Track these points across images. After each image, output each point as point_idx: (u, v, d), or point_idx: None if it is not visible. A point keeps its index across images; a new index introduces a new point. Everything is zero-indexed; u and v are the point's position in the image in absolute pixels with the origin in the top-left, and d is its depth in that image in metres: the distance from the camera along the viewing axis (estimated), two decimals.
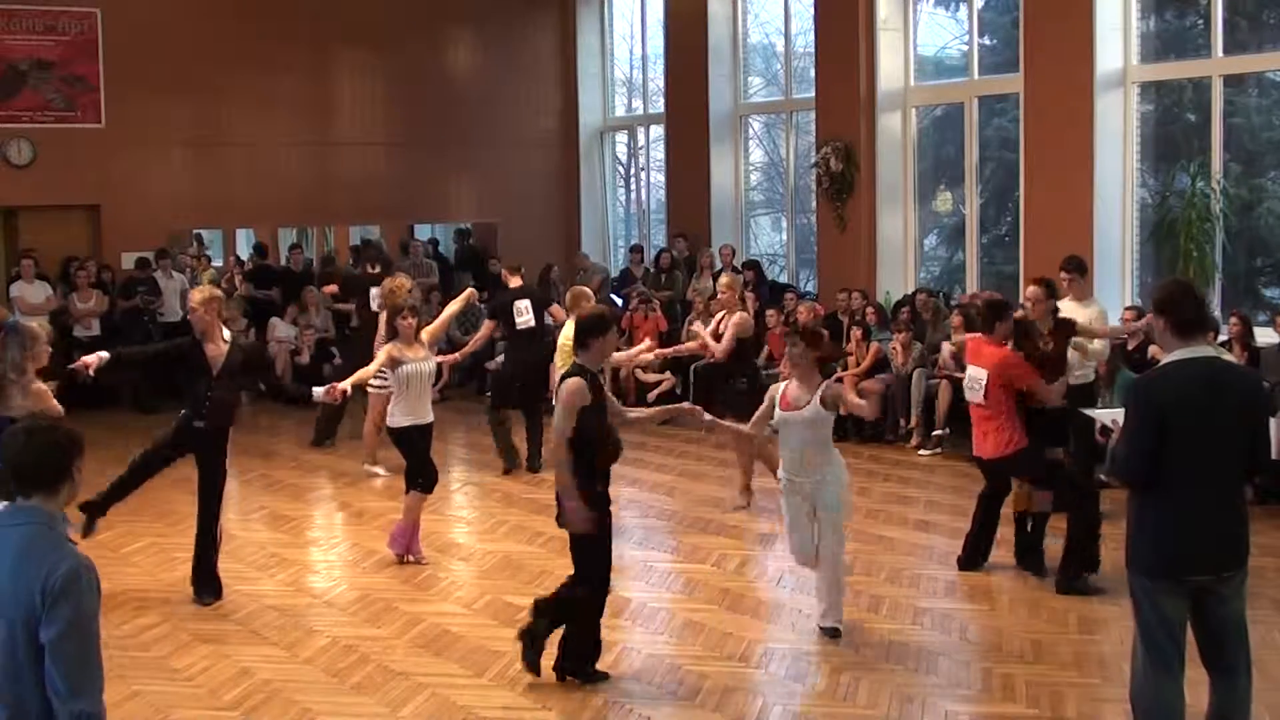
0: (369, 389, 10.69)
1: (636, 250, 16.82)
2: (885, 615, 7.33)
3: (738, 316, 9.71)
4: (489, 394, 12.06)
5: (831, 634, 6.86)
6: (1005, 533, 8.56)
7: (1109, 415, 6.83)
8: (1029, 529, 8.11)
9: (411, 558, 8.43)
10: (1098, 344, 9.20)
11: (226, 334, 7.85)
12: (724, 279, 10.25)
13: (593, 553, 6.16)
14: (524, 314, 11.31)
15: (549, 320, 11.59)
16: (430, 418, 8.40)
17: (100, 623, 3.39)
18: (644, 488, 10.46)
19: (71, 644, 3.25)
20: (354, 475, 11.33)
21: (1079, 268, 9.46)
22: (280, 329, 15.16)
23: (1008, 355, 7.72)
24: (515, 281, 11.55)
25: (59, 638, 3.24)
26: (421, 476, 8.34)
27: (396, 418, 8.34)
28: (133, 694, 6.34)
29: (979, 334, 7.93)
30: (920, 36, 14.36)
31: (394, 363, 8.21)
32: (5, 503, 3.56)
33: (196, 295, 7.83)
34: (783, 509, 7.09)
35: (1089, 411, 7.78)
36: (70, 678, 3.23)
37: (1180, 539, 4.64)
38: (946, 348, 10.21)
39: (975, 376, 7.70)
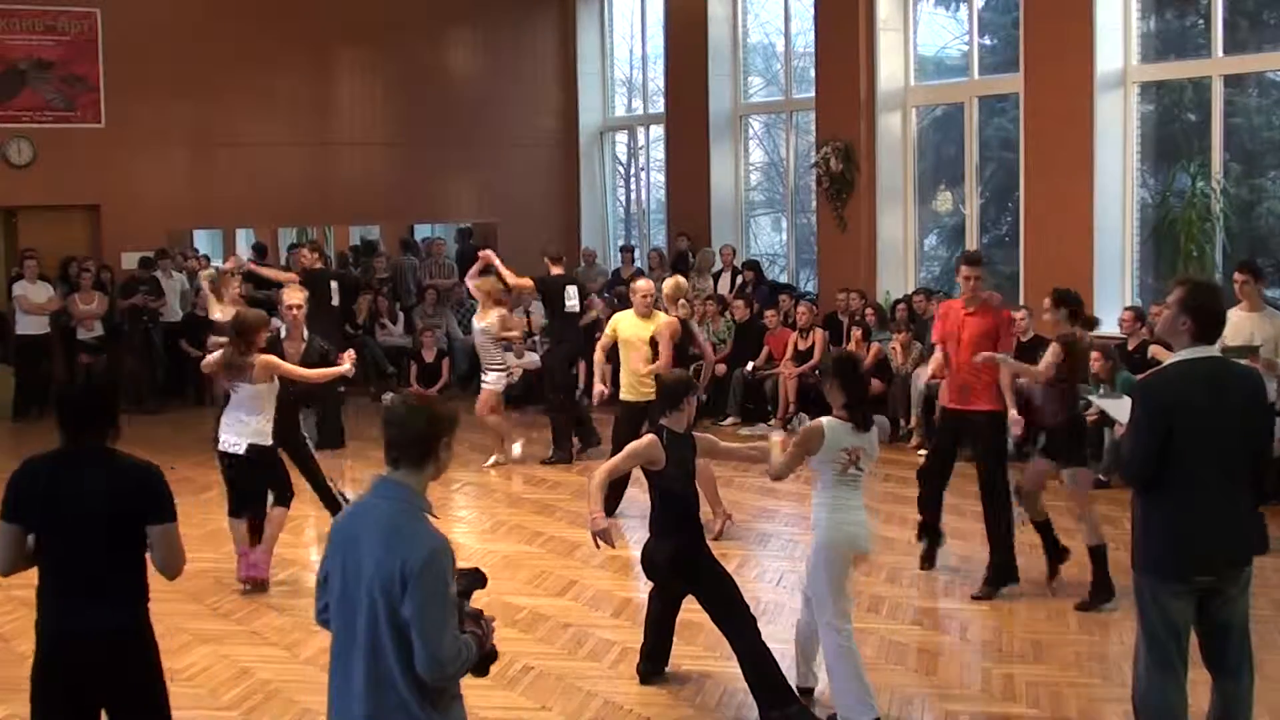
0: (484, 385, 11.48)
1: (627, 250, 16.85)
2: (885, 615, 7.33)
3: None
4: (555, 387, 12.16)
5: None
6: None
7: (1113, 405, 6.82)
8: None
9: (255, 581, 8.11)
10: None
11: (305, 333, 8.40)
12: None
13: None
14: (572, 298, 11.82)
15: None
16: None
17: (449, 596, 3.60)
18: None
19: (428, 620, 3.49)
20: (353, 476, 11.32)
21: (1255, 271, 8.85)
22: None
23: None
24: (558, 270, 11.96)
25: (416, 614, 3.49)
26: (289, 491, 8.14)
27: (271, 436, 7.89)
28: None
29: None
30: (920, 36, 14.36)
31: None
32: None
33: (297, 296, 8.45)
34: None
35: (1096, 400, 7.75)
36: (429, 648, 3.50)
37: (1186, 539, 4.64)
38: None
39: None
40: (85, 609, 4.15)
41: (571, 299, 11.81)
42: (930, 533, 8.21)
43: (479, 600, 3.82)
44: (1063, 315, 7.56)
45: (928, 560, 8.19)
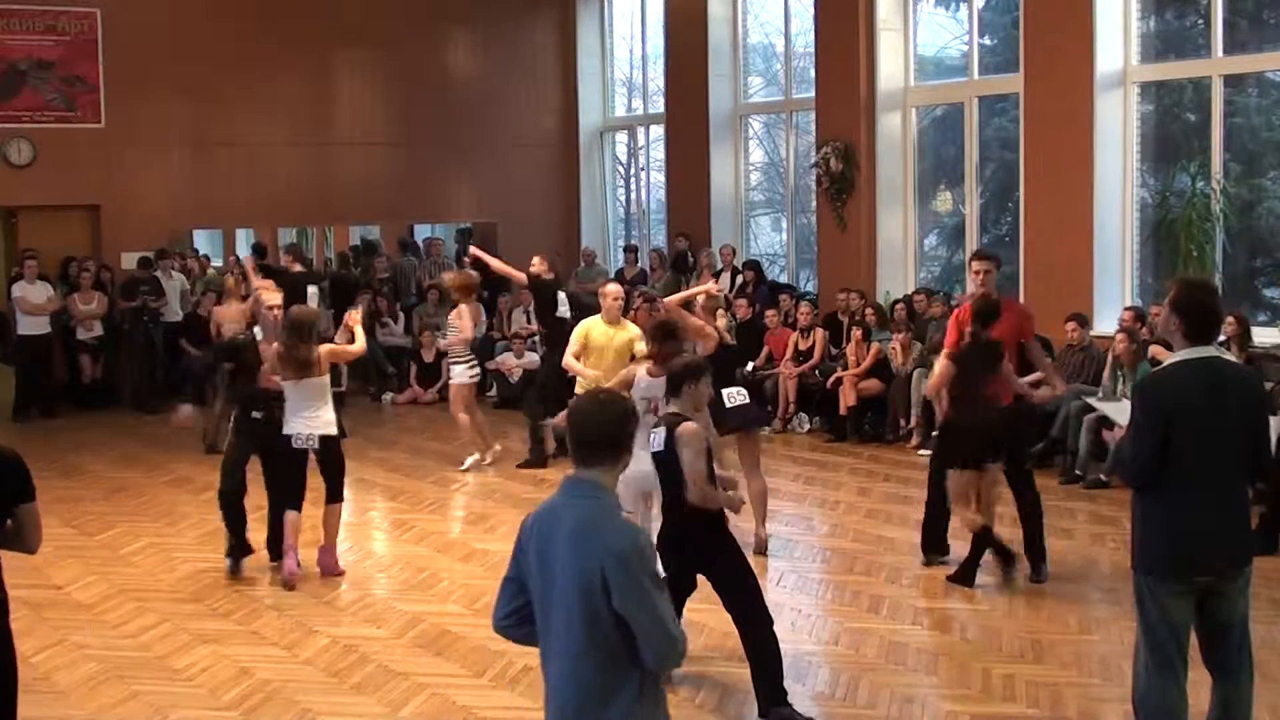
0: (452, 381, 11.53)
1: (630, 250, 16.85)
2: (885, 615, 7.33)
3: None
4: (524, 389, 12.09)
5: None
6: (1007, 532, 8.57)
7: (1112, 408, 6.82)
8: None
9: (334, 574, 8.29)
10: None
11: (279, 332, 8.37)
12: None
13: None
14: (564, 304, 11.70)
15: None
16: None
17: (657, 582, 3.51)
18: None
19: (649, 608, 3.44)
20: (353, 476, 11.31)
21: None
22: None
23: None
24: (549, 277, 11.92)
25: (637, 605, 3.43)
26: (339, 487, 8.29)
27: (334, 426, 8.15)
28: (132, 694, 6.35)
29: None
30: (920, 36, 14.35)
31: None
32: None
33: (276, 297, 8.46)
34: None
35: (1095, 403, 7.77)
36: (660, 636, 3.45)
37: (1185, 539, 4.64)
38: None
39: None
40: None
41: (563, 305, 11.67)
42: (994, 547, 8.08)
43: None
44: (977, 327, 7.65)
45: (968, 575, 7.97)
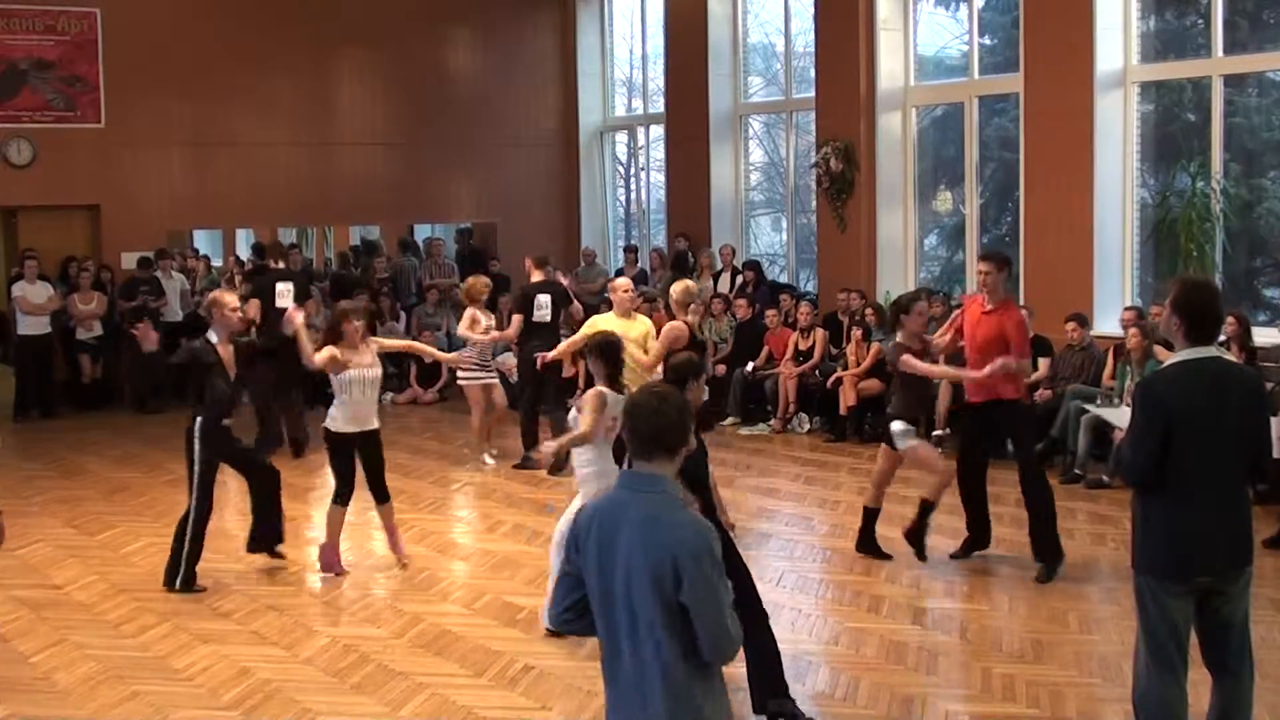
0: (459, 381, 11.65)
1: (630, 250, 16.83)
2: (885, 615, 7.33)
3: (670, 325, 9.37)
4: (524, 389, 11.99)
5: None
6: (1007, 532, 8.58)
7: (1112, 414, 6.82)
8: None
9: (332, 573, 8.30)
10: None
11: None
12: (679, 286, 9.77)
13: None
14: (543, 308, 11.54)
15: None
16: (374, 424, 8.27)
17: (724, 577, 3.51)
18: None
19: (709, 607, 3.45)
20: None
21: None
22: None
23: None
24: (538, 275, 11.81)
25: (703, 599, 3.45)
26: (345, 489, 8.25)
27: (338, 422, 8.14)
28: (132, 694, 6.35)
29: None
30: (920, 36, 14.35)
31: (338, 366, 8.08)
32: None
33: (235, 299, 8.42)
34: None
35: (1094, 409, 7.78)
36: (709, 633, 3.46)
37: (1186, 540, 4.63)
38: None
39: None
40: None
41: (542, 308, 11.49)
42: (978, 530, 8.31)
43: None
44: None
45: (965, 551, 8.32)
